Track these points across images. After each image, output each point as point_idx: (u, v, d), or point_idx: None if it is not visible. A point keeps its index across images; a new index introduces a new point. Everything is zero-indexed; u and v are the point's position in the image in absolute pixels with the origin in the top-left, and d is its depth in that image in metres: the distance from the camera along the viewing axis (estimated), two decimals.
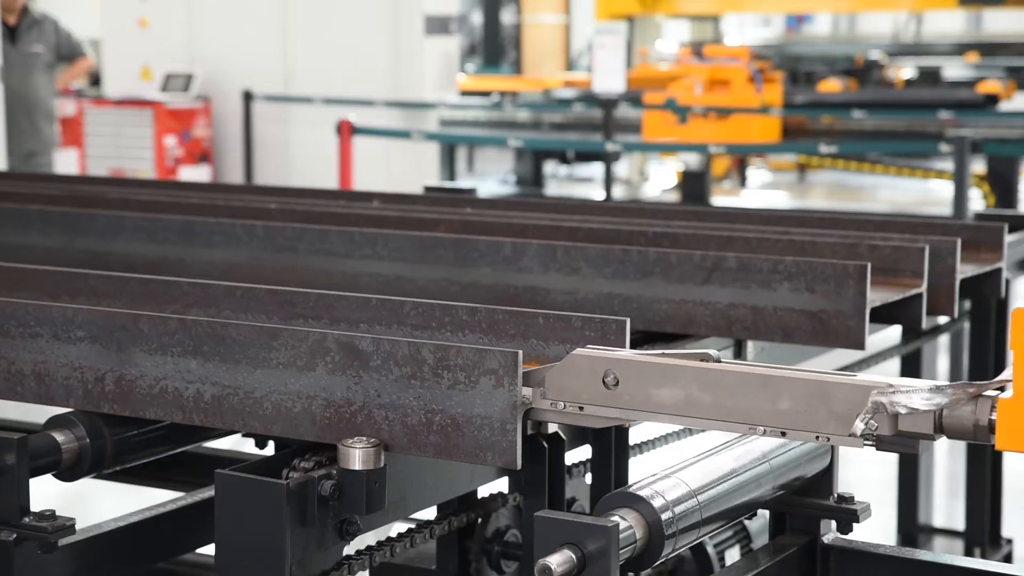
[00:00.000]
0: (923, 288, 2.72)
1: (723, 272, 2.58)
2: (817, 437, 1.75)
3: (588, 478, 2.56)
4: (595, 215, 3.34)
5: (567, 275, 2.70)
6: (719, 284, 2.58)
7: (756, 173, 16.76)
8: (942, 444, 3.23)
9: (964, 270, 2.88)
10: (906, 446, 1.75)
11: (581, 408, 1.87)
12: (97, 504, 4.18)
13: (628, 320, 2.12)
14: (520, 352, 1.85)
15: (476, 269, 2.77)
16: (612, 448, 2.46)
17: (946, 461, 5.39)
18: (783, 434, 1.77)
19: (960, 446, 4.71)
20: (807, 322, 2.53)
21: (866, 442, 1.72)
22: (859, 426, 1.71)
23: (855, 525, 2.11)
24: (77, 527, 2.07)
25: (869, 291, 2.50)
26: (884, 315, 2.69)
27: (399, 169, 10.27)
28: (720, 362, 1.83)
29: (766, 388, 1.77)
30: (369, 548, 2.16)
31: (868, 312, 2.50)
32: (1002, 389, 1.71)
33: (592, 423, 1.89)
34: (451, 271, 2.80)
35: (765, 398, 1.77)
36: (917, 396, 1.70)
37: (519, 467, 1.87)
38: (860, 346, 2.51)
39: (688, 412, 1.82)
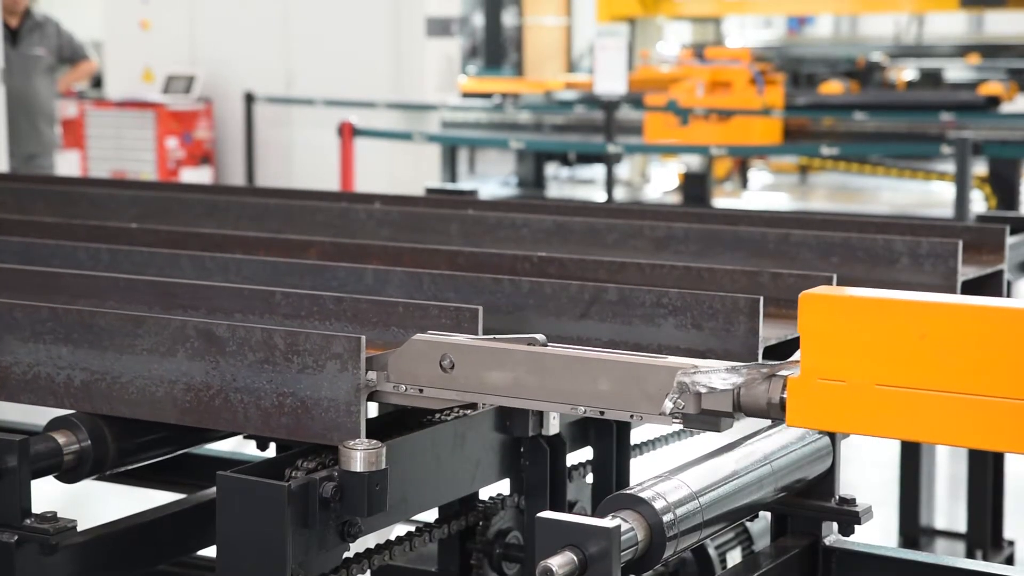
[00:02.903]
0: None
1: (602, 305, 2.33)
2: (631, 416, 1.85)
3: (589, 479, 2.56)
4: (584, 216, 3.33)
5: None
6: (598, 319, 2.33)
7: (757, 175, 16.77)
8: (943, 446, 3.21)
9: (965, 272, 2.87)
10: (709, 424, 1.81)
11: (421, 390, 1.96)
12: (98, 506, 4.18)
13: (480, 308, 2.15)
14: (363, 337, 1.94)
15: None
16: (613, 449, 2.46)
17: (948, 463, 5.39)
18: (602, 413, 1.87)
19: (962, 448, 4.70)
20: None
21: (673, 420, 1.81)
22: (667, 405, 1.80)
23: (856, 527, 2.12)
24: (78, 529, 2.08)
25: (762, 327, 2.23)
26: (784, 353, 2.34)
27: (400, 171, 10.28)
28: (547, 346, 1.93)
29: (586, 370, 1.87)
30: (368, 551, 2.16)
31: (761, 351, 2.24)
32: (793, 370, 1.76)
33: (431, 404, 1.99)
34: None
35: (586, 380, 1.87)
36: (716, 376, 1.79)
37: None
38: None
39: (517, 393, 1.92)
